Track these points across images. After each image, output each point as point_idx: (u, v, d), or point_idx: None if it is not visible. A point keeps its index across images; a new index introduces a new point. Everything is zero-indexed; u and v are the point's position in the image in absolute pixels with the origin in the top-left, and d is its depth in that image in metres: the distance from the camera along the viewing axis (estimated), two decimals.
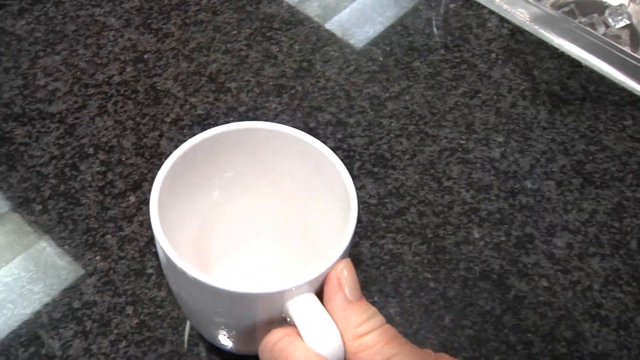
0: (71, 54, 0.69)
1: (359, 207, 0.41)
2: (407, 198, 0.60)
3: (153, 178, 0.59)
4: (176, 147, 0.61)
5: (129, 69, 0.68)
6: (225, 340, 0.45)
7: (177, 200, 0.44)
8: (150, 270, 0.54)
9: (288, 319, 0.38)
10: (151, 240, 0.55)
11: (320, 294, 0.39)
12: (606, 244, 0.59)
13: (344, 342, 0.37)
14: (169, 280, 0.44)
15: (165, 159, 0.60)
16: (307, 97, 0.67)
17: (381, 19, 0.75)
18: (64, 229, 0.56)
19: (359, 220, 0.42)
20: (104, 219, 0.57)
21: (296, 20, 0.74)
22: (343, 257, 0.39)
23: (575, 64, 0.72)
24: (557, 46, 0.73)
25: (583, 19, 0.87)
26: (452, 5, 0.77)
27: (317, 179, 0.46)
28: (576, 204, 0.61)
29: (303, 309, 0.38)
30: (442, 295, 0.55)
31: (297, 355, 0.36)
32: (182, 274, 0.38)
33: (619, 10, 0.95)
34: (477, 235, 0.59)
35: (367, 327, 0.37)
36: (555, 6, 0.86)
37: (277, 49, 0.71)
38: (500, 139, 0.65)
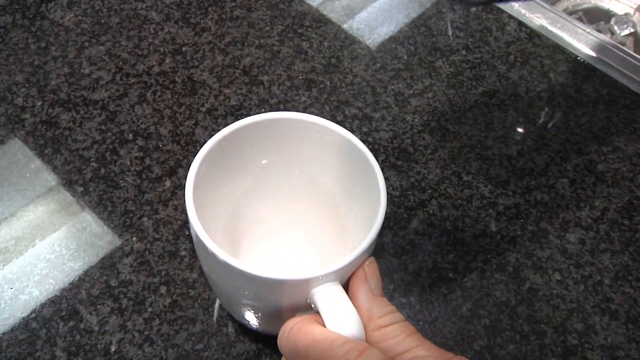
0: (114, 45, 0.66)
1: None
2: (429, 191, 0.57)
3: (188, 164, 0.56)
4: (210, 135, 0.58)
5: (167, 60, 0.65)
6: (252, 320, 0.42)
7: (211, 186, 0.42)
8: (183, 253, 0.51)
9: (312, 306, 0.36)
10: (185, 223, 0.53)
11: (345, 285, 0.37)
12: (617, 241, 0.56)
13: (366, 332, 0.35)
14: (201, 261, 0.42)
15: (200, 146, 0.58)
16: (335, 91, 0.64)
17: (406, 20, 0.72)
18: (104, 210, 0.53)
19: None
20: (141, 202, 0.54)
21: (326, 18, 0.71)
22: (370, 248, 0.37)
23: (590, 68, 0.68)
24: (572, 51, 0.70)
25: (590, 26, 0.83)
26: (473, 9, 0.73)
27: (348, 170, 0.43)
28: (588, 201, 0.58)
29: (328, 296, 0.35)
30: (460, 285, 0.52)
31: (316, 332, 0.33)
32: (213, 256, 0.35)
33: (624, 19, 0.91)
34: (494, 229, 0.55)
35: (389, 319, 0.35)
36: (565, 13, 0.82)
37: (308, 45, 0.68)
38: (518, 137, 0.62)
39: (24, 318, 0.47)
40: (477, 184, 0.58)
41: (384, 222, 0.37)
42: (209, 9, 0.70)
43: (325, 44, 0.68)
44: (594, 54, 0.69)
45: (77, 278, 0.50)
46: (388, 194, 0.55)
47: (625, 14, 0.91)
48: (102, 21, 0.68)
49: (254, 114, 0.42)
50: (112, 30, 0.67)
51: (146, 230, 0.52)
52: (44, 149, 0.57)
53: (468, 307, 0.51)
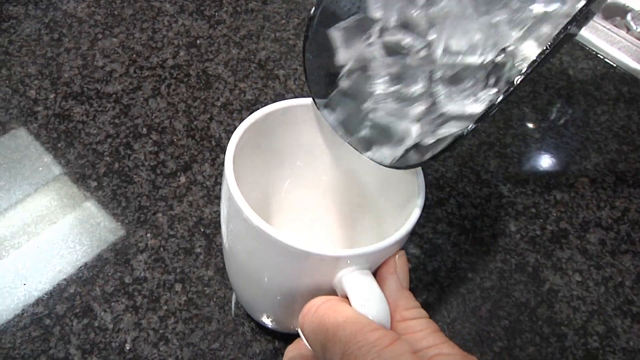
0: (128, 37, 0.65)
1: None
2: (447, 189, 0.56)
3: (203, 160, 0.55)
4: (225, 130, 0.57)
5: (182, 53, 0.64)
6: (269, 308, 0.41)
7: (247, 164, 0.40)
8: (198, 250, 0.50)
9: (337, 291, 0.35)
10: (200, 220, 0.52)
11: (373, 273, 0.36)
12: (638, 242, 0.55)
13: (391, 322, 0.34)
14: (227, 232, 0.39)
15: (215, 142, 0.57)
16: None
17: None
18: (118, 206, 0.52)
19: None
20: (155, 198, 0.53)
21: None
22: (403, 240, 0.36)
23: (609, 66, 0.67)
24: (592, 47, 0.68)
25: (605, 22, 0.81)
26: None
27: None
28: (609, 201, 0.57)
29: (357, 279, 0.34)
30: (479, 285, 0.51)
31: (346, 312, 0.32)
32: (245, 221, 0.34)
33: None
34: (513, 228, 0.54)
35: (416, 312, 0.34)
36: None
37: None
38: (537, 135, 0.61)
39: (37, 314, 0.46)
40: (495, 182, 0.57)
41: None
42: (224, 1, 0.69)
43: None
44: (614, 51, 0.68)
45: (91, 275, 0.49)
46: None
47: None
48: (116, 13, 0.67)
49: None
50: (125, 22, 0.66)
51: (161, 226, 0.51)
52: (57, 143, 0.56)
53: (487, 307, 0.50)
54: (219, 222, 0.50)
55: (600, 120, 0.62)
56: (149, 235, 0.51)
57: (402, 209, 0.39)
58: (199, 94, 0.60)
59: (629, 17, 0.88)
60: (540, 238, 0.54)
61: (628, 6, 0.91)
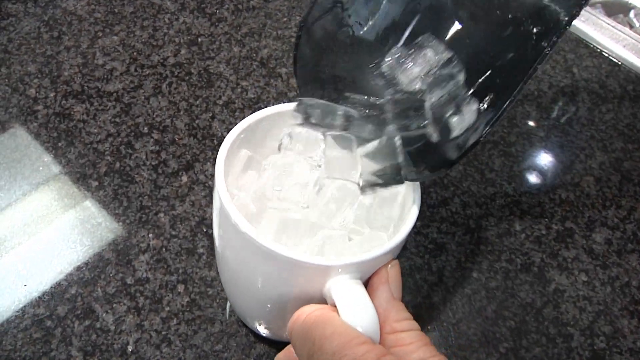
0: (128, 35, 0.64)
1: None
2: (451, 188, 0.55)
3: (205, 159, 0.55)
4: (228, 129, 0.57)
5: (183, 51, 0.63)
6: (259, 317, 0.41)
7: (238, 169, 0.40)
8: (201, 250, 0.50)
9: (327, 300, 0.34)
10: (202, 220, 0.51)
11: (365, 283, 0.35)
12: None
13: (380, 333, 0.33)
14: (218, 238, 0.39)
15: (217, 140, 0.56)
16: None
17: None
18: (119, 206, 0.52)
19: None
20: (157, 198, 0.53)
21: None
22: (396, 250, 0.35)
23: (614, 63, 0.66)
24: (596, 45, 0.68)
25: (608, 19, 0.81)
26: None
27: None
28: (615, 200, 0.56)
29: (346, 288, 0.33)
30: (484, 285, 0.50)
31: (334, 324, 0.31)
32: (234, 226, 0.33)
33: None
34: (518, 228, 0.54)
35: (406, 325, 0.34)
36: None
37: None
38: (541, 134, 0.60)
39: (38, 316, 0.46)
40: (500, 181, 0.56)
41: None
42: None
43: None
44: (618, 49, 0.67)
45: (92, 275, 0.48)
46: None
47: None
48: (116, 10, 0.66)
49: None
50: (126, 20, 0.65)
51: (163, 226, 0.51)
52: (58, 142, 0.55)
53: (493, 308, 0.49)
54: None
55: (605, 118, 0.62)
56: (150, 235, 0.50)
57: (397, 218, 0.38)
58: (201, 93, 0.60)
59: (631, 14, 0.87)
60: (546, 237, 0.53)
61: (631, 3, 0.91)
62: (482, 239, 0.53)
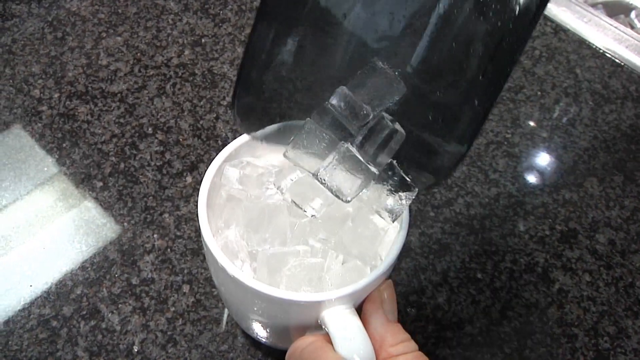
0: (132, 35, 0.64)
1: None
2: (455, 189, 0.56)
3: (209, 160, 0.55)
4: (232, 130, 0.57)
5: (187, 52, 0.63)
6: (261, 334, 0.41)
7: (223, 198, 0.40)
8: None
9: (323, 327, 0.34)
10: None
11: (358, 309, 0.35)
12: None
13: (377, 359, 0.33)
14: (211, 272, 0.40)
15: (222, 141, 0.56)
16: None
17: None
18: (124, 206, 0.52)
19: (409, 209, 0.38)
20: (162, 198, 0.53)
21: None
22: (387, 272, 0.35)
23: (617, 64, 0.67)
24: (599, 46, 0.68)
25: (610, 20, 0.81)
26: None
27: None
28: (618, 201, 0.57)
29: (339, 320, 0.33)
30: (488, 286, 0.50)
31: (328, 358, 0.32)
32: (222, 270, 0.34)
33: None
34: (522, 228, 0.54)
35: (402, 348, 0.34)
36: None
37: None
38: (544, 135, 0.60)
39: (44, 316, 0.46)
40: (504, 182, 0.57)
41: (409, 221, 0.36)
42: None
43: None
44: (621, 49, 0.68)
45: (98, 276, 0.48)
46: None
47: None
48: (119, 11, 0.66)
49: None
50: (129, 21, 0.65)
51: (167, 227, 0.51)
52: (62, 142, 0.55)
53: (497, 308, 0.49)
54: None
55: (608, 119, 0.62)
56: (155, 236, 0.50)
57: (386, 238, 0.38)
58: (205, 93, 0.60)
59: (632, 14, 0.87)
60: (550, 238, 0.54)
61: (632, 4, 0.91)
62: (486, 239, 0.53)
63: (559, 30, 0.69)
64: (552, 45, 0.68)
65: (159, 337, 0.46)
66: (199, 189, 0.52)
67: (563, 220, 0.55)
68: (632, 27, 0.88)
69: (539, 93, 0.63)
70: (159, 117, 0.58)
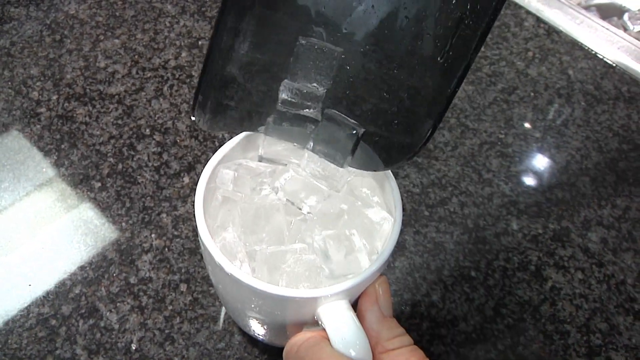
0: (130, 38, 0.65)
1: (402, 195, 0.37)
2: (449, 188, 0.56)
3: (206, 160, 0.55)
4: (230, 132, 0.57)
5: (184, 54, 0.64)
6: (258, 331, 0.41)
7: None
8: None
9: (319, 323, 0.35)
10: None
11: (354, 304, 0.35)
12: (639, 240, 0.55)
13: (373, 354, 0.34)
14: (209, 271, 0.40)
15: (219, 142, 0.57)
16: None
17: None
18: (122, 207, 0.53)
19: (403, 208, 0.38)
20: (159, 198, 0.53)
21: None
22: (382, 267, 0.36)
23: (608, 65, 0.67)
24: (591, 47, 0.69)
25: (603, 22, 0.82)
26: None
27: (367, 181, 0.41)
28: (610, 200, 0.57)
29: (335, 316, 0.34)
30: (482, 284, 0.51)
31: (325, 355, 0.32)
32: (220, 268, 0.34)
33: (638, 15, 0.90)
34: (515, 227, 0.55)
35: (398, 342, 0.34)
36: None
37: None
38: (537, 135, 0.61)
39: (43, 315, 0.46)
40: (497, 181, 0.57)
41: (403, 219, 0.36)
42: None
43: None
44: (613, 50, 0.68)
45: (96, 275, 0.49)
46: (409, 191, 0.54)
47: (639, 10, 0.89)
48: (117, 14, 0.67)
49: None
50: (127, 24, 0.66)
51: (165, 227, 0.52)
52: (60, 144, 0.56)
53: (491, 306, 0.50)
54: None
55: (600, 119, 0.63)
56: (153, 235, 0.51)
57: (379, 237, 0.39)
58: None
59: (625, 17, 0.88)
60: (543, 236, 0.54)
61: (624, 6, 0.92)
62: (480, 238, 0.54)
63: (552, 32, 0.70)
64: (545, 47, 0.69)
65: (157, 335, 0.46)
66: (196, 189, 0.53)
67: (556, 219, 0.55)
68: (625, 29, 0.89)
69: (532, 94, 0.64)
70: (156, 118, 0.58)
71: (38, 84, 0.60)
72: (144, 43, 0.64)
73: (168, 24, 0.66)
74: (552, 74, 0.66)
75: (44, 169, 0.54)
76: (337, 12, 0.33)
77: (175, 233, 0.51)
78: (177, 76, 0.62)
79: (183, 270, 0.49)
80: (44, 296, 0.47)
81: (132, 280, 0.49)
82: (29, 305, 0.47)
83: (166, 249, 0.50)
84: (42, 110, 0.58)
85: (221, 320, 0.47)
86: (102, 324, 0.46)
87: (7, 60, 0.62)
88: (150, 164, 0.55)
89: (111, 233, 0.51)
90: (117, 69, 0.62)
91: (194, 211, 0.52)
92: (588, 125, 0.62)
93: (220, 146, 0.39)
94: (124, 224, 0.52)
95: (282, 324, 0.37)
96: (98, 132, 0.57)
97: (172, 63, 0.63)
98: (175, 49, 0.64)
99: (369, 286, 0.36)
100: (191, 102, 0.37)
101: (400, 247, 0.52)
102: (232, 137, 0.40)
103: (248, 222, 0.38)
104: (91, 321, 0.46)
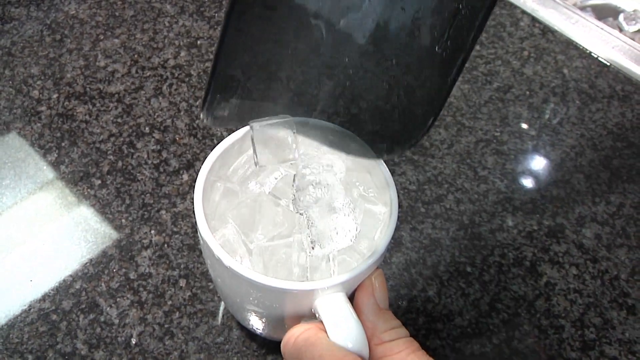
0: (129, 37, 0.65)
1: (399, 192, 0.38)
2: (445, 185, 0.57)
3: (205, 158, 0.56)
4: (227, 129, 0.58)
5: (183, 53, 0.64)
6: (256, 325, 0.42)
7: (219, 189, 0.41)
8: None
9: (317, 315, 0.35)
10: None
11: (350, 297, 0.36)
12: (633, 236, 0.56)
13: (369, 346, 0.34)
14: (207, 265, 0.41)
15: (217, 140, 0.57)
16: None
17: None
18: (122, 204, 0.53)
19: (399, 205, 0.38)
20: (159, 195, 0.54)
21: None
22: (379, 260, 0.36)
23: (603, 64, 0.68)
24: (586, 46, 0.69)
25: (598, 22, 0.82)
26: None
27: (362, 176, 0.42)
28: (604, 197, 0.58)
29: (332, 308, 0.34)
30: (478, 279, 0.52)
31: (322, 346, 0.33)
32: (219, 261, 0.35)
33: (633, 15, 0.91)
34: (510, 224, 0.55)
35: (394, 334, 0.35)
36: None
37: None
38: (533, 133, 0.62)
39: (44, 310, 0.47)
40: (493, 178, 0.58)
41: (400, 216, 0.37)
42: (224, 2, 0.70)
43: None
44: (607, 50, 0.69)
45: (96, 271, 0.49)
46: (405, 188, 0.54)
47: (634, 10, 0.90)
48: (117, 14, 0.67)
49: None
50: (126, 23, 0.67)
51: (164, 223, 0.52)
52: (61, 142, 0.57)
53: (486, 301, 0.51)
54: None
55: (594, 117, 0.63)
56: (153, 232, 0.52)
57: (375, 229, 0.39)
58: (200, 94, 0.61)
59: (620, 17, 0.89)
60: (537, 233, 0.55)
61: (620, 7, 0.92)
62: (476, 234, 0.54)
63: (547, 31, 0.71)
64: (540, 46, 0.69)
65: (157, 330, 0.47)
66: (194, 186, 0.54)
67: (550, 215, 0.56)
68: (621, 29, 0.90)
69: (528, 92, 0.65)
70: (155, 116, 0.59)
71: (38, 82, 0.60)
72: (144, 42, 0.65)
73: (167, 24, 0.67)
74: (547, 73, 0.67)
75: (45, 167, 0.55)
76: (336, 3, 0.34)
77: (175, 229, 0.52)
78: (176, 75, 0.62)
79: (182, 266, 0.50)
80: (45, 292, 0.48)
81: (132, 275, 0.49)
82: (31, 301, 0.47)
83: (165, 245, 0.51)
84: (43, 108, 0.59)
85: (220, 315, 0.48)
86: (102, 319, 0.47)
87: (8, 60, 0.62)
88: (149, 162, 0.56)
89: (111, 229, 0.51)
90: (117, 68, 0.62)
91: (193, 208, 0.52)
92: (582, 124, 0.63)
93: (218, 144, 0.40)
94: (123, 220, 0.52)
95: (280, 317, 0.38)
96: (98, 130, 0.57)
97: (171, 62, 0.63)
98: (174, 48, 0.65)
99: (365, 279, 0.36)
100: (199, 102, 0.38)
101: (396, 244, 0.52)
102: (229, 135, 0.40)
103: (245, 217, 0.39)
104: (91, 316, 0.47)
